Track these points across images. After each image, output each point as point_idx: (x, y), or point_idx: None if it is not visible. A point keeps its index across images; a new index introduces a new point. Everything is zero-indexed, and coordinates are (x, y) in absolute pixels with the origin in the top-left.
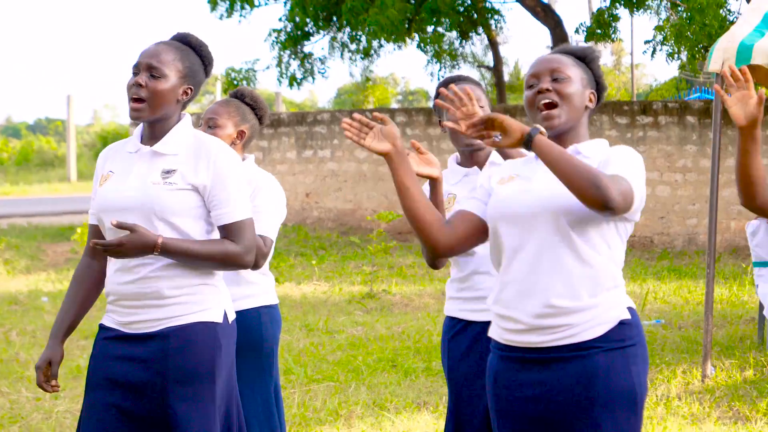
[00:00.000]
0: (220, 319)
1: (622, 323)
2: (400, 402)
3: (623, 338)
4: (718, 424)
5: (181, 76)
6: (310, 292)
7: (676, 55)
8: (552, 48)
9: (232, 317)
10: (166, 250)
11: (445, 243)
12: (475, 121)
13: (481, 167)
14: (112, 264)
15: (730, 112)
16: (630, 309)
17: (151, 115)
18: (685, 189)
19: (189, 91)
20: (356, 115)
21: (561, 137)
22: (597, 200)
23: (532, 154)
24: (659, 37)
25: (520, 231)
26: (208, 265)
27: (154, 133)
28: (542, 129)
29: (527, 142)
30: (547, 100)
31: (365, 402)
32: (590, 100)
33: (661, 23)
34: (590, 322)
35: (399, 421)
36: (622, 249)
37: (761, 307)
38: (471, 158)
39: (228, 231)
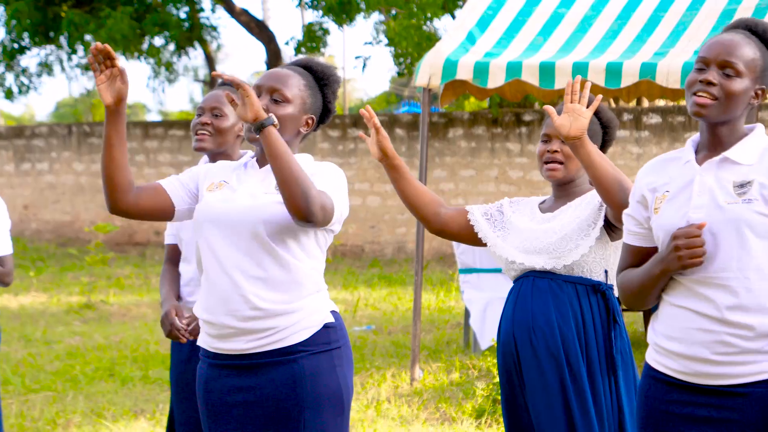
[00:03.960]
0: None
1: (326, 326)
2: (118, 410)
3: (329, 341)
4: (426, 425)
5: None
6: (27, 303)
7: (399, 62)
8: (267, 63)
9: None
10: None
11: (127, 192)
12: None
13: None
14: None
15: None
16: (333, 312)
17: None
18: (394, 199)
19: None
20: (98, 45)
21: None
22: (301, 211)
23: (242, 161)
24: (369, 47)
25: (223, 238)
26: None
27: None
28: (275, 122)
29: (259, 127)
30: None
31: (83, 411)
32: (306, 125)
33: (373, 38)
34: (295, 326)
35: (116, 429)
36: (322, 257)
37: (467, 312)
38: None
39: None
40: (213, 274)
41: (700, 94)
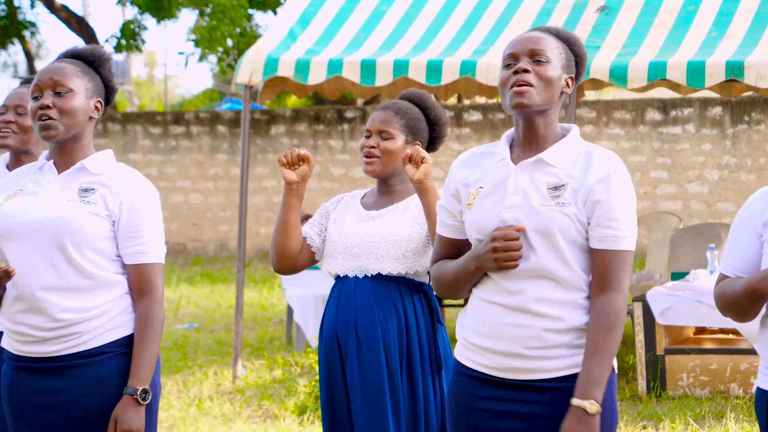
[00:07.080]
0: None
1: (131, 327)
2: None
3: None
4: (248, 423)
5: None
6: None
7: (206, 60)
8: None
9: None
10: None
11: None
12: None
13: None
14: None
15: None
16: None
17: None
18: (216, 196)
19: None
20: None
21: (65, 149)
22: None
23: (37, 164)
24: (192, 44)
25: (24, 249)
26: None
27: None
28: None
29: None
30: (45, 120)
31: None
32: (96, 109)
33: (192, 33)
34: (100, 329)
35: None
36: (119, 262)
37: (289, 309)
38: (18, 160)
39: None
40: (14, 285)
41: (518, 82)
